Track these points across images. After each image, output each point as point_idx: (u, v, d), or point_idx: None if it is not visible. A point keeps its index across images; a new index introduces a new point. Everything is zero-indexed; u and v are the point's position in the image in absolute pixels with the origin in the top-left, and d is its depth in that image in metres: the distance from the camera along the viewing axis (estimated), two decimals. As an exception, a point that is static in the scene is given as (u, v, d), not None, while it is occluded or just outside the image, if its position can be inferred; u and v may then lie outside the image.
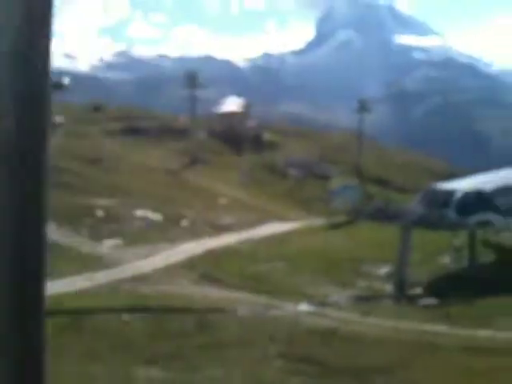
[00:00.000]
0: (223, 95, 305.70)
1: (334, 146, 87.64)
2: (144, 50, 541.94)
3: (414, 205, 27.91)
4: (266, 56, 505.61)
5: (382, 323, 17.00)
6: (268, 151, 58.85)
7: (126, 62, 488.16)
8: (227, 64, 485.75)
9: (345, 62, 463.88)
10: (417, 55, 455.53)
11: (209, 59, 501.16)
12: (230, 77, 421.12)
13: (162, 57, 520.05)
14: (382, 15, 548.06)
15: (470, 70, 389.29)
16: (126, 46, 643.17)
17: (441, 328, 16.52)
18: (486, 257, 28.11)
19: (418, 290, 23.66)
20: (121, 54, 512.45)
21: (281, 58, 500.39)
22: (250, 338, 14.03)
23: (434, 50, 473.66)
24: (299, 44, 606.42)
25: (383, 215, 26.16)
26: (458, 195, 24.72)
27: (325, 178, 65.13)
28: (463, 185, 27.08)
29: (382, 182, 72.28)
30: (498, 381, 10.88)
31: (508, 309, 19.06)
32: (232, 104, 58.55)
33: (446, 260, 27.48)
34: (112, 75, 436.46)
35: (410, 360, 12.53)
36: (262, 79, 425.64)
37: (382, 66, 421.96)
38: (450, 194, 25.17)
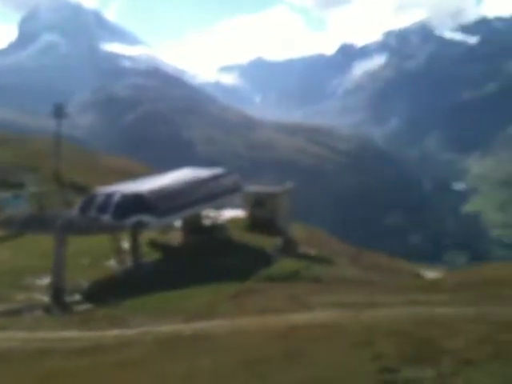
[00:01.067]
0: None
1: (35, 151, 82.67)
2: None
3: (71, 210, 27.78)
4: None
5: (13, 336, 16.10)
6: None
7: None
8: None
9: (50, 66, 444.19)
10: (124, 63, 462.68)
11: None
12: None
13: None
14: (88, 21, 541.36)
15: (175, 81, 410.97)
16: None
17: (71, 334, 16.43)
18: (152, 256, 29.55)
19: (77, 297, 23.38)
20: None
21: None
22: None
23: (141, 59, 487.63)
24: (1, 44, 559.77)
25: (37, 223, 25.15)
26: (116, 198, 25.37)
27: (19, 185, 60.84)
28: (122, 188, 27.87)
29: (82, 188, 70.81)
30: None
31: (146, 307, 20.21)
32: None
33: (111, 263, 27.82)
34: None
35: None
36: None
37: (88, 71, 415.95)
38: (109, 197, 25.69)
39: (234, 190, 35.60)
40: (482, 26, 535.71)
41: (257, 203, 38.81)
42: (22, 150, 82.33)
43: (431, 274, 39.59)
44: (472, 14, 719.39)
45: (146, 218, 25.23)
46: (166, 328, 15.59)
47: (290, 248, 33.99)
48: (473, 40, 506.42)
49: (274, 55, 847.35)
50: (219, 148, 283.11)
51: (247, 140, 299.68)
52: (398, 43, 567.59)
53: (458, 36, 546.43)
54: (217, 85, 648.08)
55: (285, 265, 29.91)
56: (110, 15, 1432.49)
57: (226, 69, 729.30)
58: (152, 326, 16.22)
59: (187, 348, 12.59)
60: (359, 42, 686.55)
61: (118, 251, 26.38)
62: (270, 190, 40.69)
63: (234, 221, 40.12)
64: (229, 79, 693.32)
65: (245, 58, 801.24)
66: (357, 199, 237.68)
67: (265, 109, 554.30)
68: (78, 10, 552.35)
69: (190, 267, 26.98)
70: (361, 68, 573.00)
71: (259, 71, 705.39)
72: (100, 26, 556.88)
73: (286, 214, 40.28)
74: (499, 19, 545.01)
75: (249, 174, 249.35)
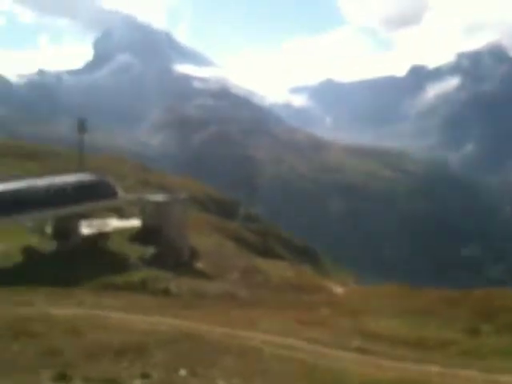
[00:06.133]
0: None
1: (92, 167, 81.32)
2: None
3: None
4: (41, 73, 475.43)
5: None
6: None
7: None
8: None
9: (124, 86, 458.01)
10: (195, 84, 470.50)
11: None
12: (3, 93, 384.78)
13: None
14: (159, 42, 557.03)
15: (245, 102, 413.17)
16: None
17: None
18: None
19: None
20: None
21: (57, 76, 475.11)
22: None
23: (211, 81, 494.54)
24: (77, 63, 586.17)
25: None
26: None
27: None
28: None
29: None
30: None
31: None
32: None
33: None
34: None
35: None
36: (36, 96, 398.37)
37: (160, 92, 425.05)
38: None
39: (103, 196, 34.11)
40: None
41: (144, 212, 37.26)
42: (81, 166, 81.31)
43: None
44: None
45: None
46: None
47: (168, 258, 31.53)
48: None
49: (343, 76, 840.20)
50: (286, 169, 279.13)
51: (315, 162, 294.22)
52: (471, 65, 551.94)
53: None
54: (286, 106, 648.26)
55: (139, 275, 28.59)
56: (180, 35, 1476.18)
57: (295, 90, 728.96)
58: None
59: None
60: (430, 63, 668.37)
61: None
62: (160, 198, 38.57)
63: (123, 230, 38.77)
64: (299, 100, 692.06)
65: (314, 79, 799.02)
66: (430, 226, 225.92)
67: (335, 130, 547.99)
68: (150, 31, 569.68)
69: (32, 271, 26.12)
70: (433, 90, 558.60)
71: (329, 92, 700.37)
72: (171, 47, 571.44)
73: (177, 223, 38.04)
74: None
75: (314, 195, 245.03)
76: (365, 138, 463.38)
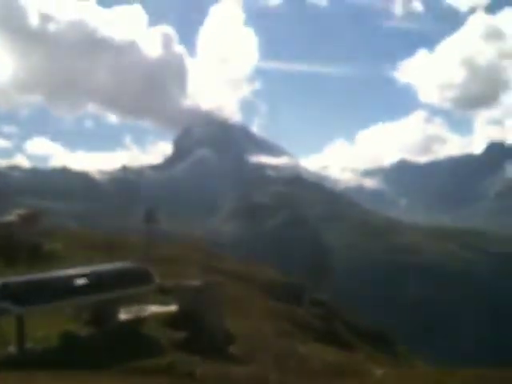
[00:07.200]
0: (78, 206, 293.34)
1: (162, 256, 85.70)
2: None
3: None
4: (124, 169, 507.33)
5: None
6: (46, 262, 55.25)
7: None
8: (83, 176, 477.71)
9: (201, 178, 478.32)
10: (268, 172, 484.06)
11: (64, 171, 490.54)
12: (86, 188, 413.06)
13: (12, 168, 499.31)
14: (235, 135, 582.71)
15: (317, 187, 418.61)
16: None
17: None
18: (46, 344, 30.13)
19: None
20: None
21: (139, 171, 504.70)
22: None
23: (284, 168, 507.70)
24: (157, 159, 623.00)
25: None
26: None
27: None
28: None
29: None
30: None
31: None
32: (12, 214, 54.88)
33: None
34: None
35: None
36: (118, 191, 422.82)
37: (235, 181, 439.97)
38: None
39: (140, 283, 35.69)
40: None
41: (180, 298, 38.30)
42: (146, 254, 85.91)
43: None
44: None
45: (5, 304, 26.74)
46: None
47: (200, 343, 31.69)
48: None
49: (417, 157, 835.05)
50: (359, 253, 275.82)
51: (390, 244, 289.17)
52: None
53: None
54: (359, 189, 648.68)
55: (166, 358, 28.61)
56: (255, 129, 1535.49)
57: (368, 173, 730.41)
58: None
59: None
60: (508, 139, 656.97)
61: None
62: (196, 284, 39.57)
63: (159, 315, 39.62)
64: (372, 183, 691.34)
65: (387, 161, 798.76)
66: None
67: (411, 212, 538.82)
68: (226, 126, 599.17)
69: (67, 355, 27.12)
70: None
71: (403, 174, 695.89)
72: (247, 139, 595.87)
73: (212, 308, 38.59)
74: None
75: (389, 278, 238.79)
76: (443, 218, 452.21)
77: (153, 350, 32.32)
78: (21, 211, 57.92)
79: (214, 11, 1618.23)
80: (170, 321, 39.04)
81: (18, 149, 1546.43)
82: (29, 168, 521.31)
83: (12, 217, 53.61)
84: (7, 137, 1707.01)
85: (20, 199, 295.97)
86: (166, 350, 32.36)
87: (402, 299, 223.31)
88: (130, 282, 36.19)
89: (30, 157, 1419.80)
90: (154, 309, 42.34)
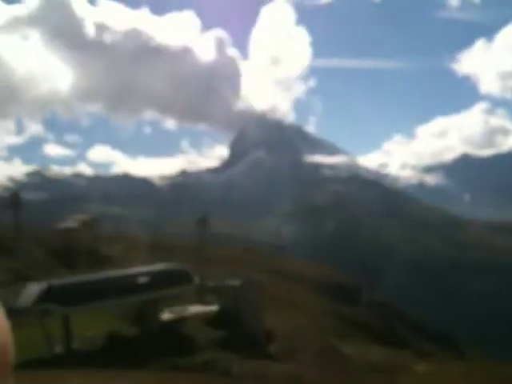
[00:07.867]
0: (140, 212, 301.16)
1: (214, 257, 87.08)
2: (58, 170, 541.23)
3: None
4: (183, 174, 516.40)
5: None
6: (103, 266, 57.17)
7: (40, 181, 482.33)
8: (144, 182, 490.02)
9: (257, 180, 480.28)
10: (325, 172, 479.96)
11: (125, 178, 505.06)
12: (147, 194, 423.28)
13: (76, 176, 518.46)
14: (290, 135, 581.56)
15: (376, 185, 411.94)
16: (39, 165, 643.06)
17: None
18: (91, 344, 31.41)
19: None
20: (34, 173, 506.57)
21: (197, 175, 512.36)
22: None
23: (341, 167, 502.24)
24: (214, 162, 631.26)
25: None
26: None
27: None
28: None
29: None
30: None
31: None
32: (72, 220, 57.33)
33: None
34: (25, 195, 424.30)
35: None
36: (178, 195, 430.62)
37: (291, 182, 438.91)
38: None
39: (180, 283, 36.56)
40: None
41: (220, 297, 38.68)
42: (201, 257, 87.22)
43: None
44: None
45: (50, 305, 28.74)
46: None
47: (240, 341, 31.63)
48: None
49: (480, 151, 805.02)
50: (420, 250, 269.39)
51: (452, 240, 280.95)
52: None
53: None
54: (421, 187, 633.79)
55: (203, 357, 29.40)
56: (311, 128, 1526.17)
57: (429, 169, 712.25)
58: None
59: None
60: None
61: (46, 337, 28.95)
62: (235, 283, 39.50)
63: (201, 315, 40.16)
64: (433, 179, 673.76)
65: (449, 156, 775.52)
66: None
67: (474, 207, 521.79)
68: (281, 127, 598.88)
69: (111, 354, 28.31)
70: None
71: (466, 169, 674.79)
72: (302, 139, 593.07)
73: (252, 306, 38.41)
74: None
75: (452, 276, 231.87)
76: (508, 213, 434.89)
77: (192, 348, 33.20)
78: (79, 217, 60.45)
79: (265, 12, 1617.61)
80: (210, 320, 39.78)
81: (81, 157, 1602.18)
82: (92, 175, 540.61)
83: (70, 222, 56.10)
84: (71, 146, 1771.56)
85: (84, 206, 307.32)
86: (205, 349, 33.14)
87: (465, 297, 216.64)
88: (170, 283, 37.27)
89: (92, 164, 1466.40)
90: (196, 308, 43.25)
